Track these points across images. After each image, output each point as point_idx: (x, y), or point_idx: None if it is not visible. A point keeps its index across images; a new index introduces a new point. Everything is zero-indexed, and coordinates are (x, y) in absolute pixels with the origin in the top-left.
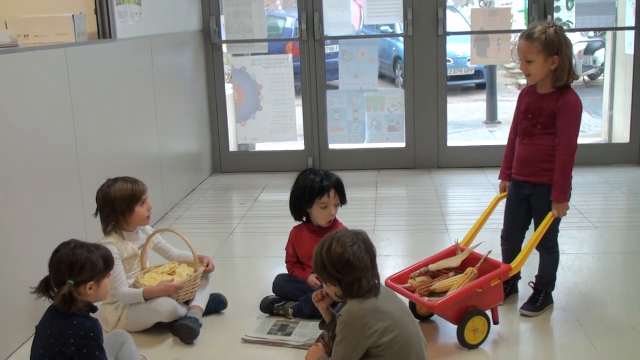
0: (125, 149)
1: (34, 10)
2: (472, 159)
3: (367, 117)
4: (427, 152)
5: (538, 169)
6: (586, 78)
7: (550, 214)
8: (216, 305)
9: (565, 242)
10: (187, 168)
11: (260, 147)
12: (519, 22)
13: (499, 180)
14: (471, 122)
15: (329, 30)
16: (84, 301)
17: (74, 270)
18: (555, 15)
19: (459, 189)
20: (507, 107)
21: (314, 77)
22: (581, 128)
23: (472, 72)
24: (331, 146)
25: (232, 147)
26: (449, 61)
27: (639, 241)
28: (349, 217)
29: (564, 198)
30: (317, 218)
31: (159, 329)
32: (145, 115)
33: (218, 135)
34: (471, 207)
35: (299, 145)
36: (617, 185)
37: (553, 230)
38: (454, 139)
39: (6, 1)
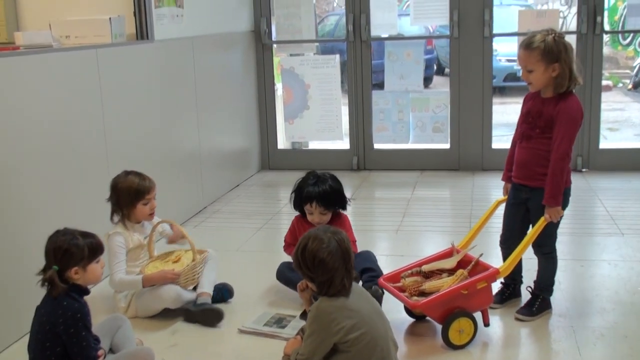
0: (161, 147)
1: (79, 12)
2: None
3: (412, 118)
4: (471, 154)
5: (535, 173)
6: None
7: (542, 219)
8: (223, 294)
9: (587, 248)
10: (233, 164)
11: (310, 145)
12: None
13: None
14: None
15: (375, 31)
16: (70, 285)
17: (57, 256)
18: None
19: (497, 191)
20: None
21: (360, 77)
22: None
23: None
24: (376, 146)
25: (280, 145)
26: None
27: None
28: (376, 217)
29: (555, 203)
30: (309, 219)
31: (167, 315)
32: (185, 113)
33: (267, 133)
34: (501, 210)
35: (344, 144)
36: None
37: (550, 236)
38: (504, 141)
39: (53, 4)
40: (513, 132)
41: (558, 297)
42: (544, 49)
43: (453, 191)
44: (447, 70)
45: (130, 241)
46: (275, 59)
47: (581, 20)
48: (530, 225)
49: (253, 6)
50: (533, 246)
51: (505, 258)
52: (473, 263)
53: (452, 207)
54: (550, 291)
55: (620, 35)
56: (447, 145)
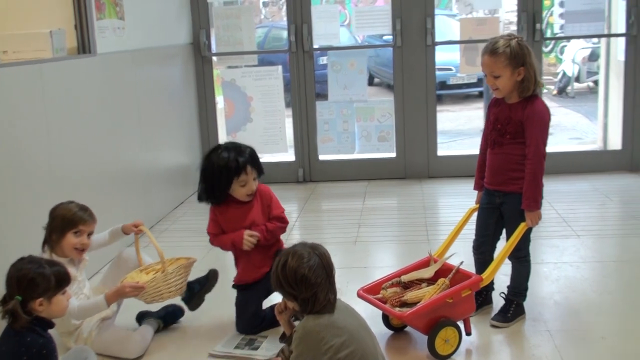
0: (105, 163)
1: (16, 26)
2: (463, 168)
3: (357, 128)
4: (417, 162)
5: (508, 178)
6: (591, 84)
7: (522, 224)
8: (175, 313)
9: (546, 251)
10: (177, 180)
11: None
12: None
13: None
14: (469, 131)
15: (318, 42)
16: (34, 318)
17: (21, 286)
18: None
19: (447, 199)
20: None
21: (304, 88)
22: (578, 135)
23: (475, 79)
24: (321, 157)
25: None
26: (450, 69)
27: (619, 250)
28: (330, 229)
29: (535, 207)
30: (238, 196)
31: None
32: (129, 129)
33: (209, 147)
34: (456, 217)
35: (289, 156)
36: (606, 193)
37: (525, 240)
38: (450, 148)
39: None
40: (458, 139)
41: (528, 302)
42: (510, 53)
43: (403, 200)
44: (376, 80)
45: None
46: (215, 72)
47: (521, 27)
48: (505, 231)
49: (191, 18)
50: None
51: (478, 264)
52: (454, 271)
53: (406, 216)
54: (524, 296)
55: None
56: (393, 154)
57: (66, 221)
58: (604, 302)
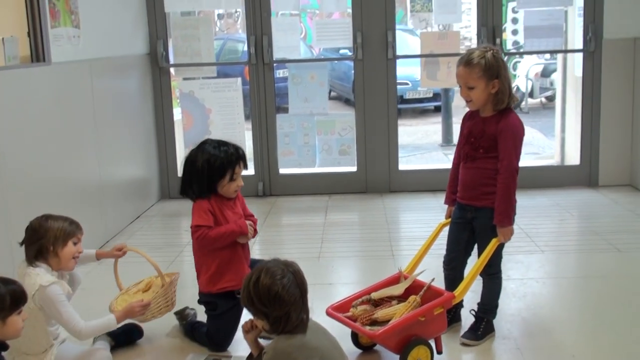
0: (59, 177)
1: None
2: (424, 183)
3: (318, 141)
4: (378, 176)
5: (480, 193)
6: (543, 100)
7: (494, 240)
8: (132, 334)
9: (512, 267)
10: (133, 194)
11: None
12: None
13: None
14: (427, 145)
15: (278, 54)
16: None
17: None
18: (505, 37)
19: (409, 214)
20: None
21: (264, 101)
22: (535, 150)
23: (431, 94)
24: (282, 171)
25: (181, 172)
26: (407, 84)
27: (583, 265)
28: (292, 244)
29: (508, 222)
30: (226, 192)
31: None
32: (84, 140)
33: (167, 160)
34: (420, 232)
35: (249, 170)
36: (567, 207)
37: (497, 256)
38: (410, 162)
39: None
40: (417, 153)
41: (497, 319)
42: (485, 65)
43: (365, 215)
44: (333, 93)
45: (64, 290)
46: (173, 83)
47: (481, 42)
48: (476, 246)
49: (148, 27)
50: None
51: (448, 280)
52: (425, 288)
53: (369, 231)
54: (494, 313)
55: None
56: (354, 168)
57: (67, 232)
58: (573, 319)
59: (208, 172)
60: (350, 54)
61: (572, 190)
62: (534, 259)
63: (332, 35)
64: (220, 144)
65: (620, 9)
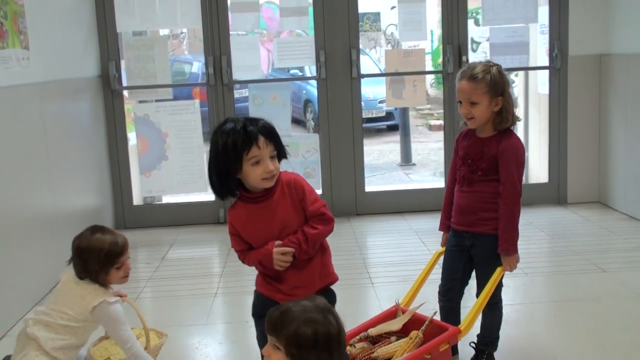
0: (7, 207)
1: None
2: (392, 205)
3: (281, 164)
4: (345, 199)
5: (479, 218)
6: None
7: (499, 269)
8: None
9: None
10: (85, 225)
11: (167, 199)
12: (427, 64)
13: (421, 226)
14: (385, 165)
15: (237, 75)
16: None
17: None
18: (471, 55)
19: (380, 237)
20: (419, 148)
21: None
22: None
23: (384, 114)
24: None
25: (137, 200)
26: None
27: (573, 288)
28: None
29: (514, 250)
30: (253, 181)
31: None
32: (35, 169)
33: (121, 188)
34: (395, 257)
35: (209, 196)
36: (540, 227)
37: (498, 285)
38: (371, 184)
39: None
40: (377, 174)
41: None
42: (491, 80)
43: (336, 239)
44: None
45: None
46: (127, 106)
47: (447, 59)
48: (475, 274)
49: (100, 48)
50: (477, 296)
51: (444, 311)
52: (427, 323)
53: (343, 257)
54: (495, 345)
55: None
56: (319, 191)
57: (120, 246)
58: (574, 346)
59: (216, 164)
60: (300, 74)
61: (542, 208)
62: (519, 282)
63: (294, 54)
64: (236, 120)
65: (585, 26)
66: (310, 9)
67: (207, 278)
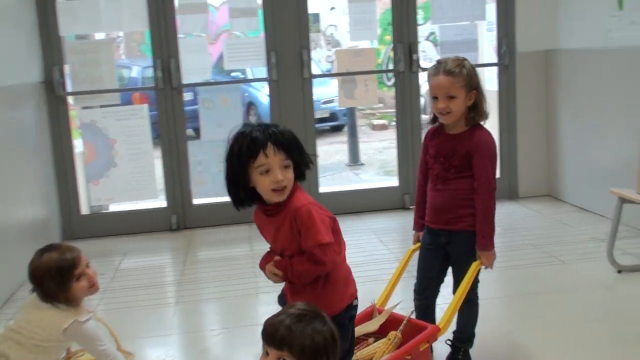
0: None
1: None
2: (347, 205)
3: None
4: None
5: (455, 216)
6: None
7: (476, 264)
8: None
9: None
10: (32, 238)
11: (116, 207)
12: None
13: (379, 226)
14: (333, 166)
15: (187, 78)
16: None
17: None
18: (421, 54)
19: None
20: (364, 148)
21: (173, 127)
22: None
23: (327, 114)
24: (196, 201)
25: (85, 209)
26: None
27: (538, 280)
28: (223, 281)
29: (491, 245)
30: (263, 192)
31: None
32: None
33: (68, 197)
34: (356, 258)
35: (160, 202)
36: (496, 222)
37: (475, 280)
38: (322, 185)
39: None
40: (327, 174)
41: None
42: (467, 74)
43: None
44: None
45: None
46: (72, 113)
47: (398, 58)
48: (452, 272)
49: (43, 53)
50: (454, 293)
51: (420, 310)
52: (405, 322)
53: None
54: (472, 342)
55: (384, 76)
56: None
57: (70, 259)
58: (548, 339)
59: (228, 170)
60: (242, 76)
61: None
62: (483, 277)
63: (245, 56)
64: (250, 125)
65: (531, 23)
66: (260, 10)
67: (165, 287)
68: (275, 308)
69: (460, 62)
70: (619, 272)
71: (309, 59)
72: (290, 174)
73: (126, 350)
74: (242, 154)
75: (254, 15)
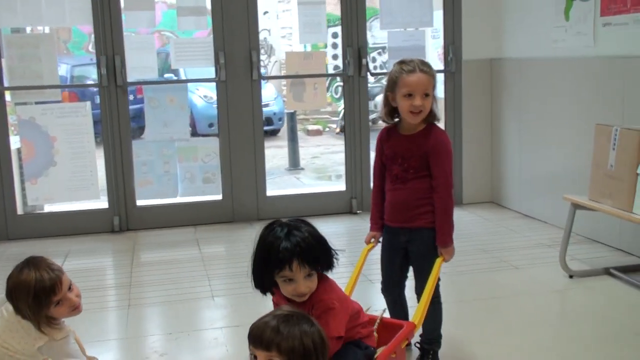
0: None
1: None
2: (293, 209)
3: (179, 169)
4: (246, 204)
5: (415, 214)
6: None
7: (439, 260)
8: None
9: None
10: None
11: (55, 207)
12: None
13: (328, 229)
14: (272, 170)
15: (132, 75)
16: None
17: None
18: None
19: None
20: (301, 153)
21: (117, 127)
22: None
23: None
24: (139, 202)
25: (21, 210)
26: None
27: (493, 285)
28: (178, 284)
29: (451, 241)
30: (285, 293)
31: None
32: None
33: (3, 197)
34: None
35: (102, 203)
36: None
37: (436, 279)
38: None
39: None
40: (270, 178)
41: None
42: (435, 74)
43: (241, 245)
44: None
45: None
46: (9, 109)
47: (347, 62)
48: (412, 270)
49: None
50: (416, 293)
51: (391, 305)
52: (378, 321)
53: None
54: (439, 343)
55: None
56: (219, 197)
57: (49, 284)
58: (507, 342)
59: (255, 267)
60: (175, 77)
61: None
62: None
63: (193, 55)
64: (282, 226)
65: (477, 31)
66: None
67: (115, 289)
68: (233, 311)
69: (427, 63)
70: (571, 277)
71: (258, 60)
72: (313, 283)
73: (90, 356)
74: (268, 263)
75: (202, 14)
